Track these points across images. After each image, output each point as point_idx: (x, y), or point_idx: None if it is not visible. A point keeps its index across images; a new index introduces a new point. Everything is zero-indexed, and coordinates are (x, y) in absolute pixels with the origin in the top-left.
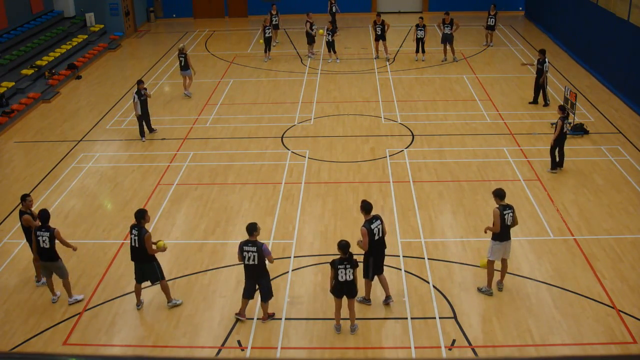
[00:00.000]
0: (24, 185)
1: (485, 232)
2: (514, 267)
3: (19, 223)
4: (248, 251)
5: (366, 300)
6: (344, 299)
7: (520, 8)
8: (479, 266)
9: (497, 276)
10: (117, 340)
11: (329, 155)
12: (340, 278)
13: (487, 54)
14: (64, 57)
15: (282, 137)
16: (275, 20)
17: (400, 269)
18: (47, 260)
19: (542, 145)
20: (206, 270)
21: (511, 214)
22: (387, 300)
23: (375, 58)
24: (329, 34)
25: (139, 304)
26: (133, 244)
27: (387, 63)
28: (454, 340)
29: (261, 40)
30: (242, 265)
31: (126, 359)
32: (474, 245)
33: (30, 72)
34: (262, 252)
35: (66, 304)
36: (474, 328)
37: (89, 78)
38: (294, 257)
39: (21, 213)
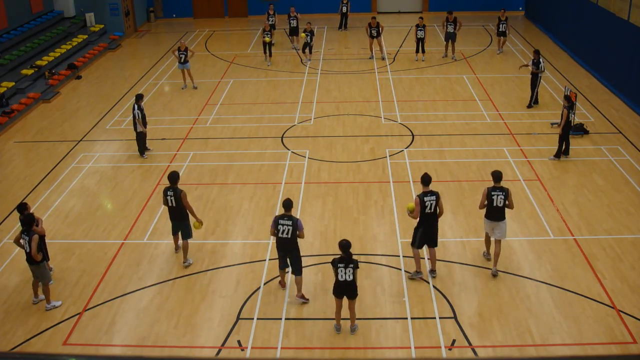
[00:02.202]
0: (24, 185)
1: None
2: (514, 267)
3: (19, 223)
4: (283, 224)
5: (417, 274)
6: (345, 300)
7: (520, 8)
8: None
9: (490, 266)
10: (117, 340)
11: (329, 155)
12: (339, 277)
13: (487, 54)
14: (64, 57)
15: (282, 137)
16: (272, 21)
17: (400, 269)
18: (28, 263)
19: (542, 145)
20: (206, 270)
21: (502, 196)
22: (432, 273)
23: (370, 58)
24: (308, 35)
25: (177, 248)
26: (170, 205)
27: (386, 62)
28: (454, 340)
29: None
30: (275, 239)
31: (126, 359)
32: (474, 245)
33: (30, 72)
34: (297, 227)
35: (66, 304)
36: (474, 328)
37: (89, 78)
38: None
39: (29, 216)
